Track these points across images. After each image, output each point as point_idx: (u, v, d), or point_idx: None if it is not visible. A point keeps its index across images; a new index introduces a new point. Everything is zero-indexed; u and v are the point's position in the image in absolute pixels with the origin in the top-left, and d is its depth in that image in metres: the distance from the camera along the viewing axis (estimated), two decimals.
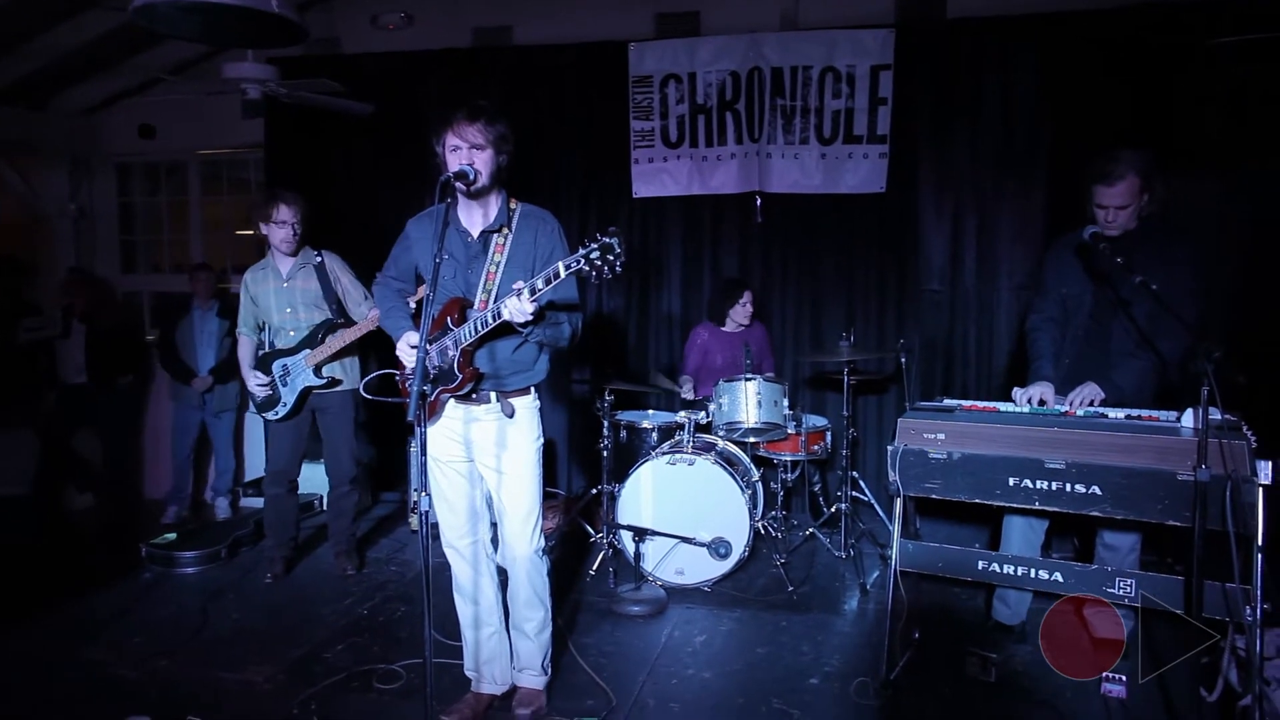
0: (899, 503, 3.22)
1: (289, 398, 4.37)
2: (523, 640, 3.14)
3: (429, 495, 2.49)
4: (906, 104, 5.34)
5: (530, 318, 2.64)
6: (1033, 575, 3.00)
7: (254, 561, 4.79)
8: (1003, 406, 3.31)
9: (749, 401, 4.30)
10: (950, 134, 5.33)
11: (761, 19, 5.59)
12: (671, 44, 5.65)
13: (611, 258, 2.51)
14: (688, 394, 4.94)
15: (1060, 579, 2.94)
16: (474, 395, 2.95)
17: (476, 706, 3.12)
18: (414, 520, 5.26)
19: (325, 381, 4.36)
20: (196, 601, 4.22)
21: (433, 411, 3.01)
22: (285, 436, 4.45)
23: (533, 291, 2.60)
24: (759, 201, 5.55)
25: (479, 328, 2.78)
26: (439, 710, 3.10)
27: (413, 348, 2.91)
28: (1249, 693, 2.68)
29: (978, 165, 5.30)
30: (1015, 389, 3.34)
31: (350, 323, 4.39)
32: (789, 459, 4.70)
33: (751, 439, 4.53)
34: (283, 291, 4.40)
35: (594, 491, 4.74)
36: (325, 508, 4.72)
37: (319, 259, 4.44)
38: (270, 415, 4.41)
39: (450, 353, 2.88)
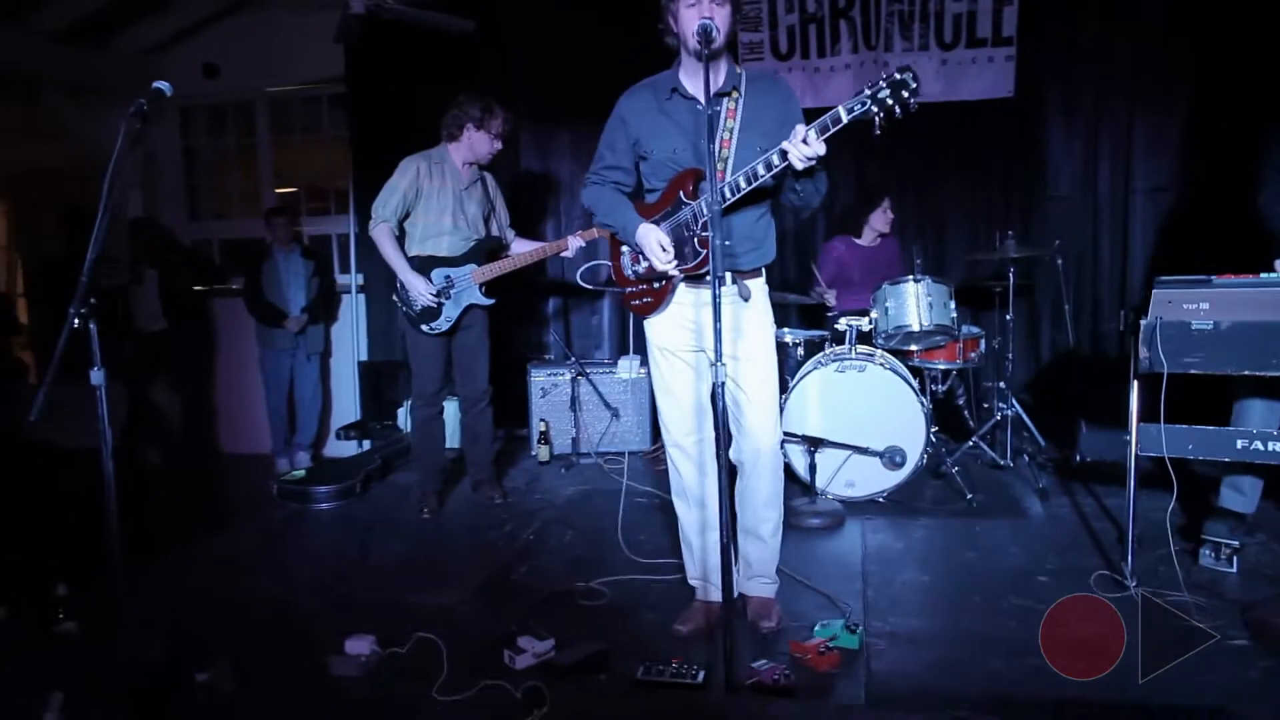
0: (1135, 387, 3.04)
1: (452, 313, 4.09)
2: (755, 544, 2.94)
3: (722, 380, 2.23)
4: (1031, 1, 5.09)
5: (819, 158, 2.41)
6: None
7: (391, 496, 4.59)
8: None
9: (920, 304, 4.08)
10: (1079, 33, 5.07)
11: None
12: None
13: (906, 94, 2.29)
14: (832, 301, 4.75)
15: None
16: (708, 277, 2.73)
17: (709, 615, 2.92)
18: (542, 451, 5.04)
19: (492, 303, 4.16)
20: (348, 535, 4.02)
21: (659, 300, 2.79)
22: (439, 354, 4.17)
23: (823, 130, 2.38)
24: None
25: (744, 184, 2.54)
26: (670, 622, 2.92)
27: (662, 249, 2.66)
28: None
29: (1110, 66, 5.06)
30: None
31: (504, 245, 4.18)
32: (942, 368, 4.48)
33: (913, 346, 4.31)
34: (461, 196, 4.13)
35: None
36: (460, 433, 4.49)
37: (485, 175, 4.24)
38: (429, 328, 4.09)
39: (689, 228, 2.66)
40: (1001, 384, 4.67)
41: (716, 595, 2.96)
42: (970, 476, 4.38)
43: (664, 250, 2.65)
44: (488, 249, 4.23)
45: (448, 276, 4.09)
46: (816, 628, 2.81)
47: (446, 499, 4.42)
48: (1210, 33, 4.78)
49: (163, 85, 2.69)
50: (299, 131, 6.45)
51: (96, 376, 2.51)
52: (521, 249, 4.30)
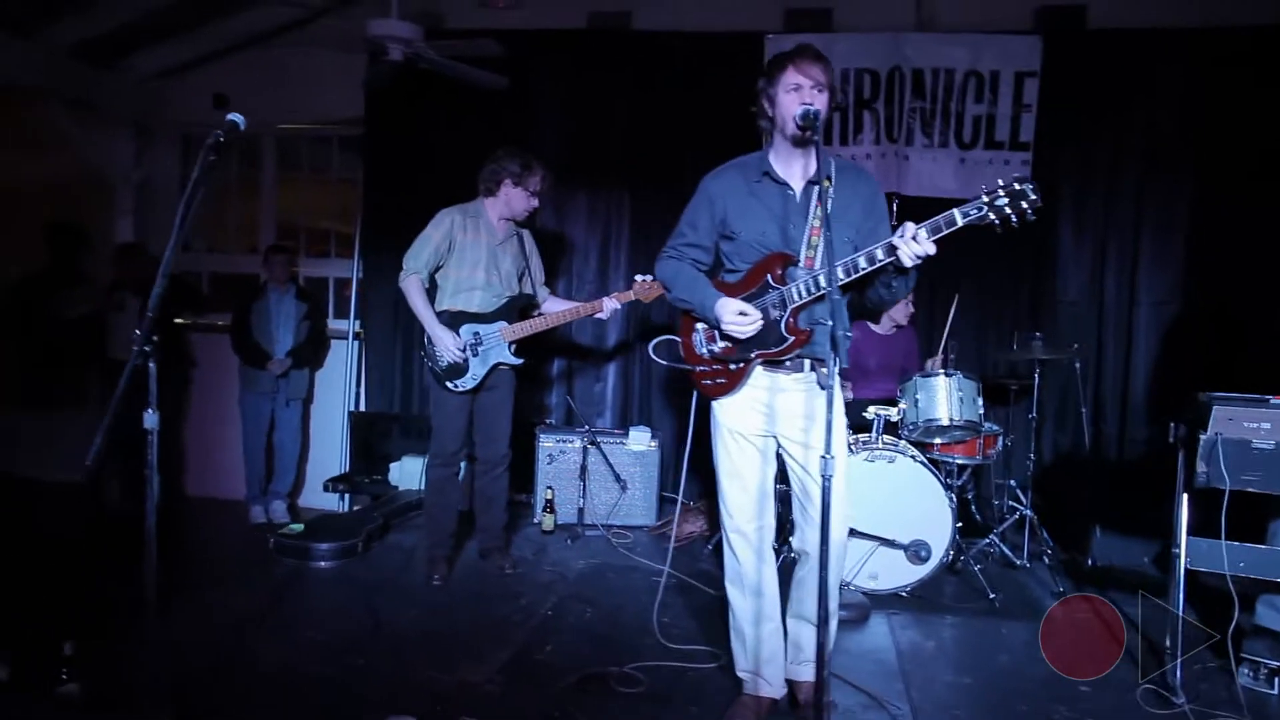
0: (1185, 500, 3.05)
1: (479, 370, 3.98)
2: (808, 630, 2.83)
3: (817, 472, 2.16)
4: (1048, 112, 5.25)
5: (924, 258, 2.40)
6: None
7: (393, 557, 4.39)
8: None
9: (950, 398, 4.08)
10: (1093, 145, 5.23)
11: (895, 18, 5.46)
12: (810, 39, 5.46)
13: (1025, 205, 2.30)
14: (848, 394, 4.70)
15: None
16: (787, 363, 2.68)
17: (759, 710, 2.81)
18: (547, 519, 4.88)
19: (521, 363, 4.05)
20: (354, 598, 3.80)
21: (734, 382, 2.73)
22: (462, 412, 4.03)
23: (934, 231, 2.37)
24: (895, 204, 5.38)
25: (843, 274, 2.50)
26: (714, 715, 2.80)
27: (741, 314, 2.61)
28: None
29: (1121, 181, 5.22)
30: None
31: (536, 304, 4.10)
32: (961, 462, 4.47)
33: (937, 439, 4.30)
34: (495, 252, 4.05)
35: None
36: (473, 497, 4.33)
37: (521, 232, 4.16)
38: (454, 385, 3.96)
39: (775, 312, 2.62)
40: (1013, 482, 4.70)
41: (768, 690, 2.86)
42: (988, 574, 4.35)
43: (745, 315, 2.61)
44: (520, 307, 4.15)
45: (476, 333, 3.99)
46: None
47: (454, 564, 4.24)
48: (1219, 152, 4.98)
49: (236, 118, 2.62)
50: (306, 170, 6.32)
51: (150, 419, 2.37)
52: (554, 308, 4.23)
